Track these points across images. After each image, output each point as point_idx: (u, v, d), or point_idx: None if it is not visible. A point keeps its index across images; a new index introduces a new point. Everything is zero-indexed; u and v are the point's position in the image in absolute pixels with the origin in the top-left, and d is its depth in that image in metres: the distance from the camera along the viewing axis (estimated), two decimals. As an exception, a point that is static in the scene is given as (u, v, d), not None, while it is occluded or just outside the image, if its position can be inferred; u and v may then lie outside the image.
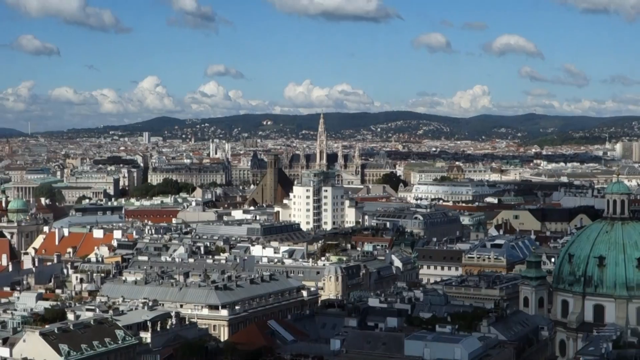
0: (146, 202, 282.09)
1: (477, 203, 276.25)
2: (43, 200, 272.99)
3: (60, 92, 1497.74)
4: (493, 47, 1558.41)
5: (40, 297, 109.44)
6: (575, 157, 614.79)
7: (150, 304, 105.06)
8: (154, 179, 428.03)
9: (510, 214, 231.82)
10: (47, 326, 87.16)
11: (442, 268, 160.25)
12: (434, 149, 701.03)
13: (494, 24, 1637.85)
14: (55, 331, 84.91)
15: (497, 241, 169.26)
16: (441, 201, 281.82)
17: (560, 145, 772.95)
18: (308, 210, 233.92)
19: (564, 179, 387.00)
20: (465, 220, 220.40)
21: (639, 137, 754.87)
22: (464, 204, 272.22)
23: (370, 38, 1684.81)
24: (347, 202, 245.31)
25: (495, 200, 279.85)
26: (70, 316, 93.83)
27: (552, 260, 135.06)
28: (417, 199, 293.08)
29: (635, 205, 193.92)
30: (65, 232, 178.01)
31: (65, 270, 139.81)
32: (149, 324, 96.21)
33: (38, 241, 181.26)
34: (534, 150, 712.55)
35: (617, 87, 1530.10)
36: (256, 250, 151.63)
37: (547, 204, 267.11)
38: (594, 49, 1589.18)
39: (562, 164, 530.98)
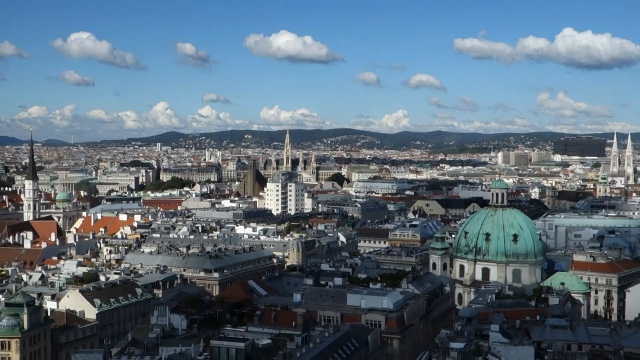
0: (158, 194, 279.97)
1: (399, 195, 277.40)
2: (82, 193, 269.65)
3: (94, 113, 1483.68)
4: (410, 82, 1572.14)
5: (79, 264, 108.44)
6: (470, 162, 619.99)
7: (162, 269, 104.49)
8: (164, 177, 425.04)
9: (423, 203, 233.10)
10: (84, 285, 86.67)
11: (374, 242, 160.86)
12: (368, 156, 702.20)
13: (411, 66, 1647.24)
14: (91, 289, 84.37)
15: (414, 222, 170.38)
16: (373, 193, 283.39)
17: (458, 154, 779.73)
18: (277, 200, 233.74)
19: (462, 178, 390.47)
20: (391, 207, 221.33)
21: (515, 148, 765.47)
22: (390, 196, 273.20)
23: (322, 75, 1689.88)
24: (305, 194, 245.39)
25: (413, 193, 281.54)
26: (102, 278, 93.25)
27: (453, 236, 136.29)
28: (356, 192, 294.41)
29: (511, 197, 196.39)
30: (99, 216, 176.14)
31: (98, 244, 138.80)
32: (160, 283, 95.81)
33: (78, 223, 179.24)
34: (440, 157, 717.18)
35: (499, 112, 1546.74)
36: (239, 229, 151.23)
37: (449, 195, 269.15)
38: (482, 85, 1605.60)
39: (460, 167, 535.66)
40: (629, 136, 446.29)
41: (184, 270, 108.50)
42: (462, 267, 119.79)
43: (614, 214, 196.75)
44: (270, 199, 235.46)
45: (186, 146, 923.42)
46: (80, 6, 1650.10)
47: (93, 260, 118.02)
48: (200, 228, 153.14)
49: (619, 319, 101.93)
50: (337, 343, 66.78)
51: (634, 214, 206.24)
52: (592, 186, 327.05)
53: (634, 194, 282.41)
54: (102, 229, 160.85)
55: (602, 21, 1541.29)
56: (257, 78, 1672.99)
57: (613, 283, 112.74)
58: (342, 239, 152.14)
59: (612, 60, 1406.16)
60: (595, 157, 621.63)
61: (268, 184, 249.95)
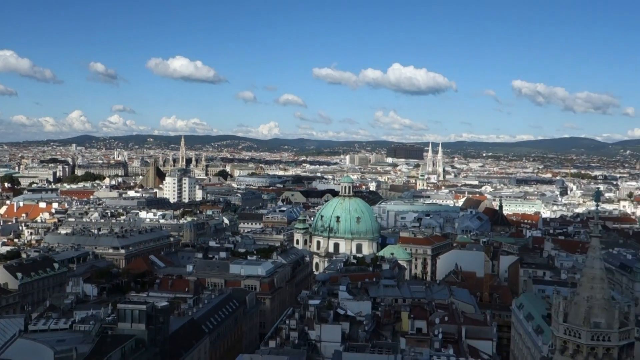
0: (74, 186, 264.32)
1: (271, 187, 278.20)
2: (6, 184, 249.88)
3: (17, 118, 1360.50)
4: (280, 100, 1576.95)
5: (3, 244, 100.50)
6: (325, 162, 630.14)
7: (76, 247, 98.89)
8: (79, 172, 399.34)
9: (289, 193, 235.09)
10: (8, 262, 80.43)
11: (251, 223, 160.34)
12: (247, 157, 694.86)
13: (280, 87, 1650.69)
14: (14, 264, 78.54)
15: (282, 208, 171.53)
16: (251, 186, 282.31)
17: (317, 156, 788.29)
18: (174, 190, 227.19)
19: (319, 174, 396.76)
20: (265, 196, 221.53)
21: (358, 152, 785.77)
22: (264, 188, 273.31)
23: (211, 92, 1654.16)
24: (197, 186, 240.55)
25: (281, 186, 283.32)
26: (24, 255, 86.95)
27: (312, 218, 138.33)
28: (237, 185, 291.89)
29: (356, 189, 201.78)
30: (21, 204, 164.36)
31: (20, 227, 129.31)
32: (75, 259, 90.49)
33: (2, 209, 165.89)
34: (302, 158, 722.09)
35: (347, 125, 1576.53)
36: (142, 214, 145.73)
37: (309, 188, 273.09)
38: (334, 103, 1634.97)
39: (318, 166, 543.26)
40: (440, 145, 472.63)
41: (96, 247, 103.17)
42: (318, 242, 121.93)
43: (429, 202, 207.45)
44: (168, 190, 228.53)
45: (98, 147, 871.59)
46: (4, 27, 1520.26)
47: (16, 240, 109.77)
48: (109, 213, 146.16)
49: (432, 279, 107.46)
50: (222, 303, 66.17)
51: (442, 201, 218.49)
52: (414, 181, 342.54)
53: (442, 187, 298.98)
54: (24, 215, 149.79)
55: (420, 59, 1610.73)
56: (157, 93, 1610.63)
57: (428, 253, 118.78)
58: (226, 221, 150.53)
59: (427, 88, 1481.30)
60: (416, 160, 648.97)
61: (167, 178, 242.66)
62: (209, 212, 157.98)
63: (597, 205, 30.07)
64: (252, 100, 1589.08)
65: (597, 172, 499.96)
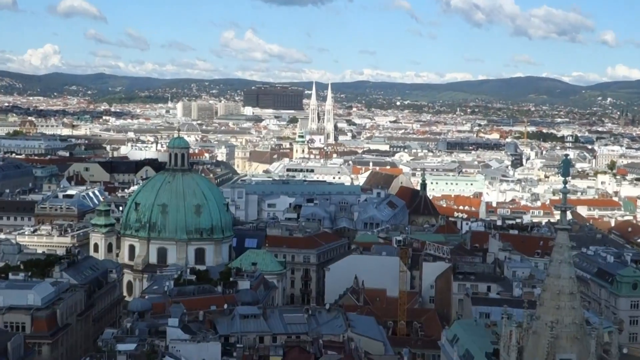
0: None
1: (49, 156, 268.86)
2: None
3: None
4: (59, 8, 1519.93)
5: None
6: (141, 115, 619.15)
7: None
8: None
9: (82, 166, 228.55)
10: None
11: (16, 218, 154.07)
12: (6, 104, 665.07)
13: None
14: None
15: (69, 192, 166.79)
16: (14, 154, 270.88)
17: (127, 104, 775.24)
18: None
19: (131, 135, 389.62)
20: (38, 172, 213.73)
21: (197, 98, 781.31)
22: (36, 157, 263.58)
23: None
24: None
25: (67, 154, 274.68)
26: None
27: (120, 208, 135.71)
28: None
29: (193, 158, 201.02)
30: None
31: None
32: None
33: None
34: (103, 107, 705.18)
35: (175, 52, 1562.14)
36: None
37: (116, 157, 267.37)
38: (153, 17, 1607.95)
39: (129, 120, 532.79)
40: (329, 87, 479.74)
41: None
42: (132, 248, 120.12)
43: (313, 179, 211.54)
44: None
45: None
46: None
47: None
48: None
49: (318, 302, 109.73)
50: (-35, 355, 63.77)
51: (333, 178, 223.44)
52: (288, 145, 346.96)
53: (334, 155, 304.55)
54: None
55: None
56: None
57: (312, 260, 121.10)
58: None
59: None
60: (292, 111, 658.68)
61: None
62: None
63: (566, 183, 32.22)
64: (11, 8, 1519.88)
65: (565, 131, 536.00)
